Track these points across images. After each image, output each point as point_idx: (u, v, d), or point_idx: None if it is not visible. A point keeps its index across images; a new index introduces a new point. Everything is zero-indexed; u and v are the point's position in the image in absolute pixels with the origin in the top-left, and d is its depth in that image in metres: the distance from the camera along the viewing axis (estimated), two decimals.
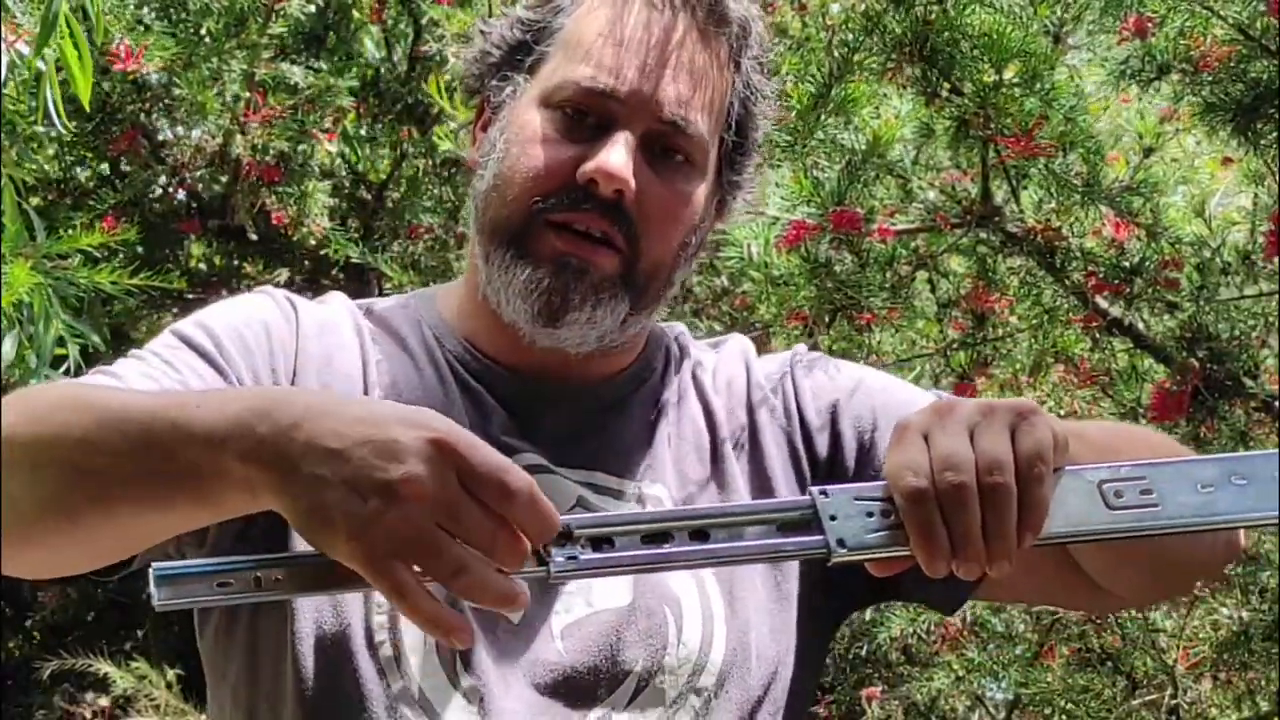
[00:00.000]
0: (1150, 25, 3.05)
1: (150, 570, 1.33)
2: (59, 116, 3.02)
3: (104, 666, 5.53)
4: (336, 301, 1.85)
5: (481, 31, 1.83)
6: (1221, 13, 2.77)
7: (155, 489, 1.42)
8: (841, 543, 1.39)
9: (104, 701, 6.29)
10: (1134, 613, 3.83)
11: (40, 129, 5.11)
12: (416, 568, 1.31)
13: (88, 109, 3.77)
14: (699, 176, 1.74)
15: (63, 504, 1.45)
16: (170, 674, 5.57)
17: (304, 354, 1.75)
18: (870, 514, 1.41)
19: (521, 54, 1.78)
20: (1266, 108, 2.94)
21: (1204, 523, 1.47)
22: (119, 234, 3.96)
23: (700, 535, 1.40)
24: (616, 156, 1.68)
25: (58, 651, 5.71)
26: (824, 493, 1.41)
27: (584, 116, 1.71)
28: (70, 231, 4.83)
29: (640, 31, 1.72)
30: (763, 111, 1.81)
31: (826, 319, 3.42)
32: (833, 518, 1.40)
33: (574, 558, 1.36)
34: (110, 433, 1.43)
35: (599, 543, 1.37)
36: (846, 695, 4.72)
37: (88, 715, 6.46)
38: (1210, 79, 3.01)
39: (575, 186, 1.69)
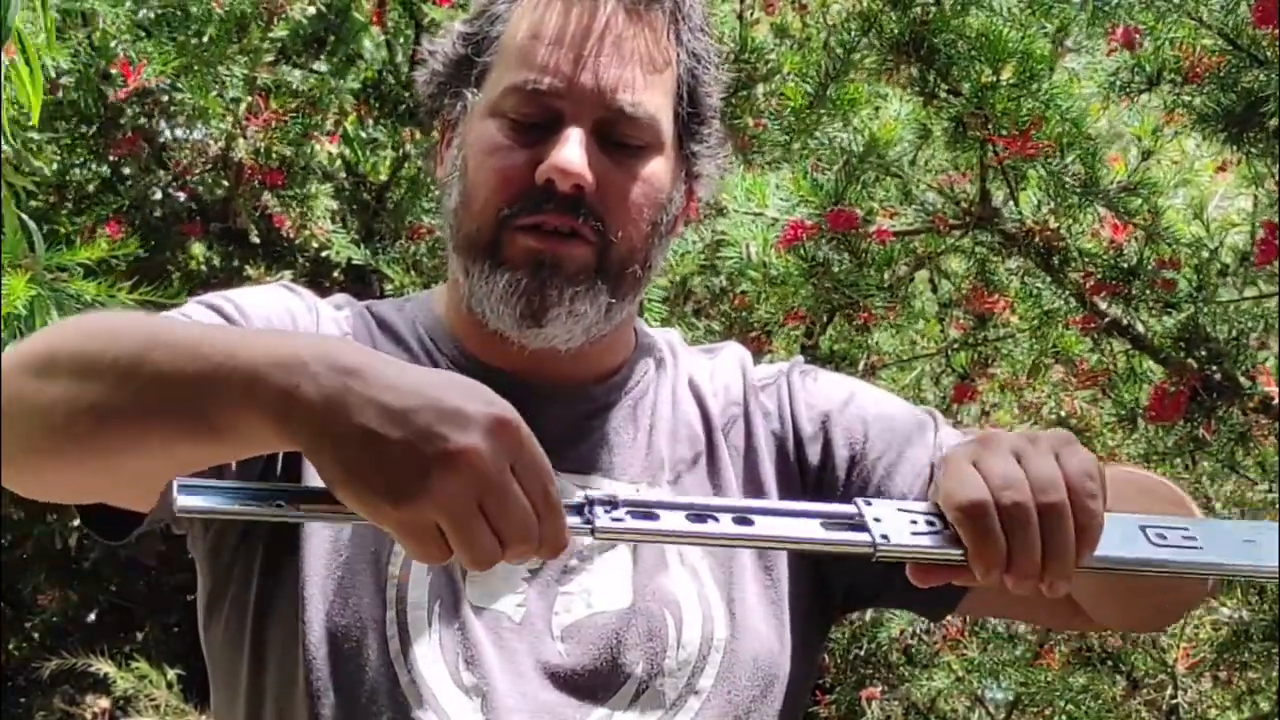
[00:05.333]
0: (1138, 37, 3.05)
1: (174, 482, 1.33)
2: (7, 137, 3.02)
3: (104, 667, 5.53)
4: (345, 303, 1.86)
5: (430, 52, 1.83)
6: (1209, 23, 2.77)
7: (189, 408, 1.38)
8: (886, 539, 1.40)
9: (104, 702, 6.29)
10: None
11: (38, 135, 5.13)
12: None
13: (36, 124, 3.78)
14: (656, 155, 1.74)
15: (100, 415, 1.42)
16: (170, 674, 5.58)
17: None
18: (914, 522, 1.42)
19: (466, 68, 1.78)
20: (1259, 116, 2.94)
21: (1249, 568, 1.50)
22: (120, 247, 3.96)
23: (744, 522, 1.42)
24: (569, 152, 1.68)
25: (58, 652, 5.72)
26: (867, 502, 1.44)
27: (531, 119, 1.71)
28: (73, 237, 4.86)
29: (570, 25, 1.72)
30: (714, 78, 1.80)
31: (824, 319, 3.43)
32: (877, 519, 1.42)
33: (619, 520, 1.37)
34: (159, 350, 1.42)
35: (642, 515, 1.39)
36: (847, 695, 4.71)
37: (88, 716, 6.47)
38: (1200, 89, 3.01)
39: (535, 189, 1.69)
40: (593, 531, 1.37)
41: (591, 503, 1.38)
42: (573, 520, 1.37)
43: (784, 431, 1.84)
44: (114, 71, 5.31)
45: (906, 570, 1.43)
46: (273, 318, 1.73)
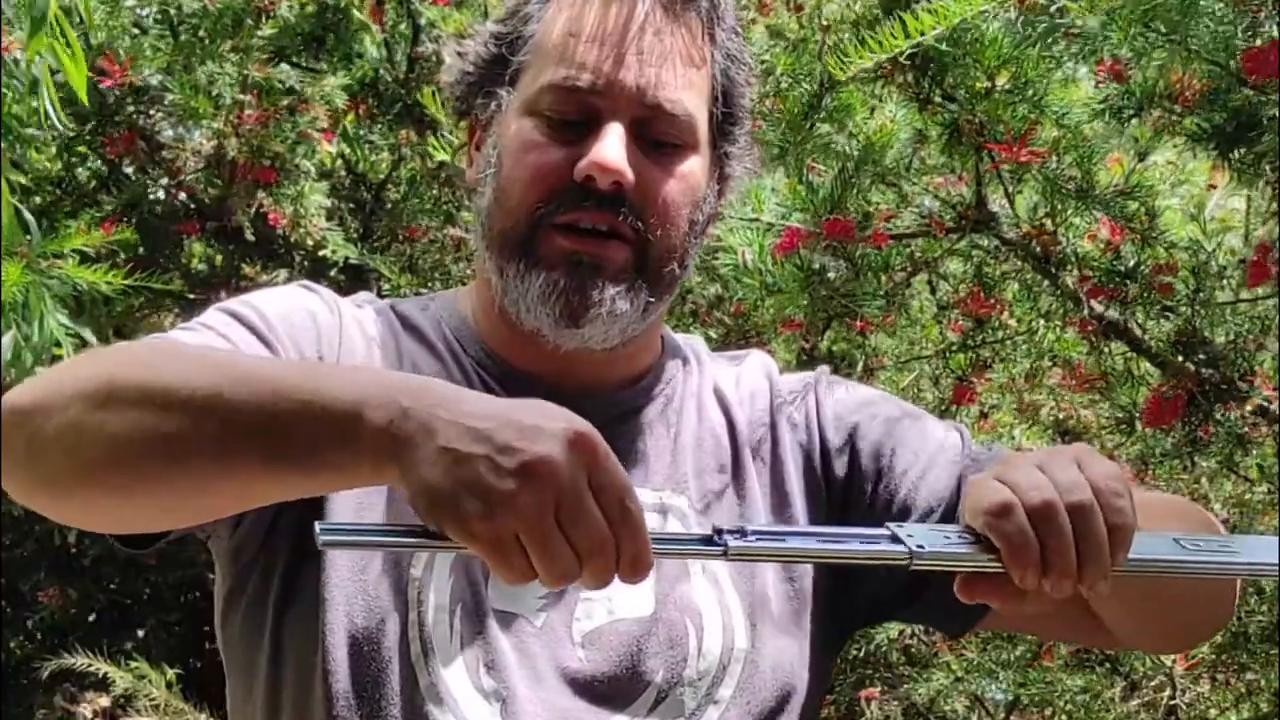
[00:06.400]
0: (1125, 69, 3.04)
1: (315, 525, 1.37)
2: (58, 115, 3.02)
3: (104, 666, 5.53)
4: (367, 301, 1.86)
5: (459, 53, 1.84)
6: (1197, 50, 2.75)
7: (276, 446, 1.41)
8: (922, 548, 1.42)
9: (104, 701, 6.29)
10: None
11: (37, 132, 5.12)
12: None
13: (85, 103, 3.76)
14: (692, 154, 1.75)
15: (175, 452, 1.43)
16: (170, 673, 5.58)
17: (346, 346, 1.76)
18: (948, 537, 1.44)
19: (500, 68, 1.79)
20: (1248, 135, 2.93)
21: None
22: (114, 235, 3.96)
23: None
24: (609, 149, 1.69)
25: (58, 651, 5.71)
26: (899, 525, 1.46)
27: (569, 117, 1.72)
28: (69, 233, 4.85)
29: (608, 23, 1.72)
30: (745, 80, 1.81)
31: (821, 326, 3.42)
32: (910, 535, 1.44)
33: (750, 543, 1.41)
34: (238, 387, 1.43)
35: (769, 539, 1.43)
36: (846, 695, 4.72)
37: (88, 715, 6.47)
38: (1190, 112, 3.01)
39: (574, 186, 1.70)
40: (725, 554, 1.41)
41: (720, 532, 1.42)
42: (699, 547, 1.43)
43: (811, 443, 1.84)
44: (103, 84, 5.30)
45: (955, 586, 1.45)
46: (295, 321, 1.73)
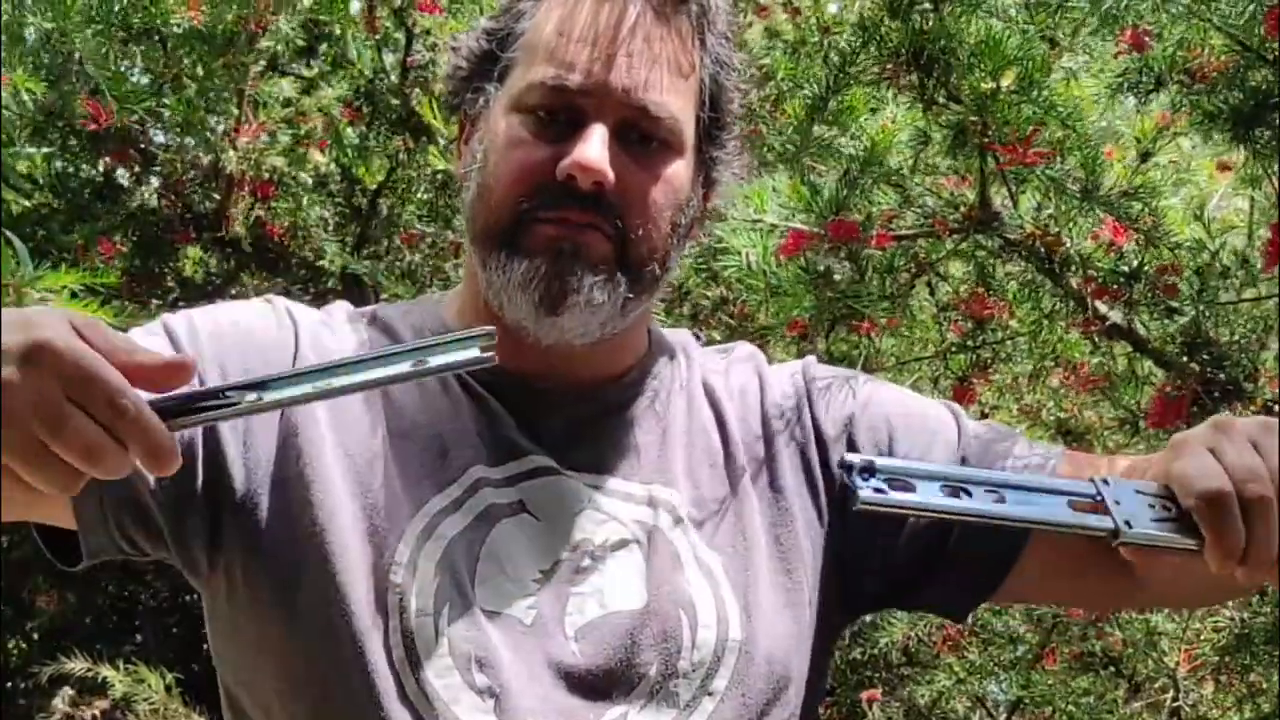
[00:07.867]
0: (1147, 39, 3.04)
1: None
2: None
3: (102, 670, 5.53)
4: (339, 311, 1.87)
5: (453, 49, 1.86)
6: (1219, 24, 2.75)
7: None
8: (1129, 524, 1.43)
9: (103, 704, 6.28)
10: (1135, 615, 3.83)
11: (32, 149, 5.11)
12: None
13: None
14: (677, 157, 1.76)
15: None
16: (169, 677, 5.58)
17: (301, 361, 1.75)
18: (1152, 505, 1.45)
19: (489, 64, 1.81)
20: (1266, 115, 2.93)
21: None
22: (103, 275, 3.95)
23: (996, 499, 1.45)
24: (592, 149, 1.70)
25: (56, 655, 5.71)
26: (1105, 481, 1.46)
27: (555, 115, 1.73)
28: (69, 248, 4.85)
29: (598, 24, 1.74)
30: (735, 85, 1.82)
31: (826, 327, 3.41)
32: (1116, 503, 1.44)
33: (881, 490, 1.40)
34: None
35: (899, 484, 1.42)
36: (847, 697, 4.72)
37: (87, 718, 6.46)
38: (1208, 89, 3.00)
39: (556, 184, 1.71)
40: (858, 503, 1.40)
41: (849, 469, 1.41)
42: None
43: (804, 436, 1.85)
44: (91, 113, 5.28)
45: (1121, 549, 1.46)
46: (229, 336, 1.74)
